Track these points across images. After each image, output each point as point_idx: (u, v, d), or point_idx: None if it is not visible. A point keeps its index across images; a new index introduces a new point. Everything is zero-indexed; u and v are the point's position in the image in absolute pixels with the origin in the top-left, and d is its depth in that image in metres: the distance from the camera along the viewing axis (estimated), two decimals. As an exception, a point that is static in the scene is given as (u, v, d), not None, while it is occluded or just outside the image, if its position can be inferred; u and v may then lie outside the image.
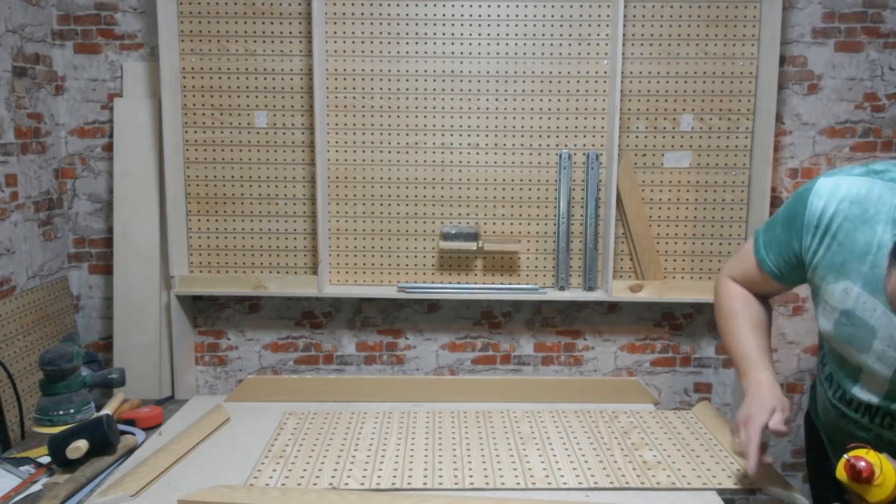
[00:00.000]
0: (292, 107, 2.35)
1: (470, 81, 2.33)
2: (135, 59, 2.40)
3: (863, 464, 0.99)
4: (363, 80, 2.33)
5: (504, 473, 1.25)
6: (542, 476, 1.24)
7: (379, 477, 1.23)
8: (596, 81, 2.32)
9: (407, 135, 2.35)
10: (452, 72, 2.32)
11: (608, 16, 2.29)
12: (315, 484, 1.20)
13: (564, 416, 1.49)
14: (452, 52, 2.31)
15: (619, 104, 2.22)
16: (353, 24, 2.31)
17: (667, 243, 2.40)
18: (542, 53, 2.31)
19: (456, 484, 1.21)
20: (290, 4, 2.30)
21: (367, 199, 2.39)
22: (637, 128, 2.35)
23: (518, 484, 1.21)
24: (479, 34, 2.30)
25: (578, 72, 2.32)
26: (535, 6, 2.29)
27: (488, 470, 1.26)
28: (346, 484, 1.20)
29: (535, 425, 1.45)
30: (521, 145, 2.36)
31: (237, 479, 1.21)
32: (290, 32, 2.32)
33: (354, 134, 2.36)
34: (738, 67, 2.30)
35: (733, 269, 1.41)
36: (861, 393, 1.18)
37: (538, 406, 1.55)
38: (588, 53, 2.31)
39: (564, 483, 1.22)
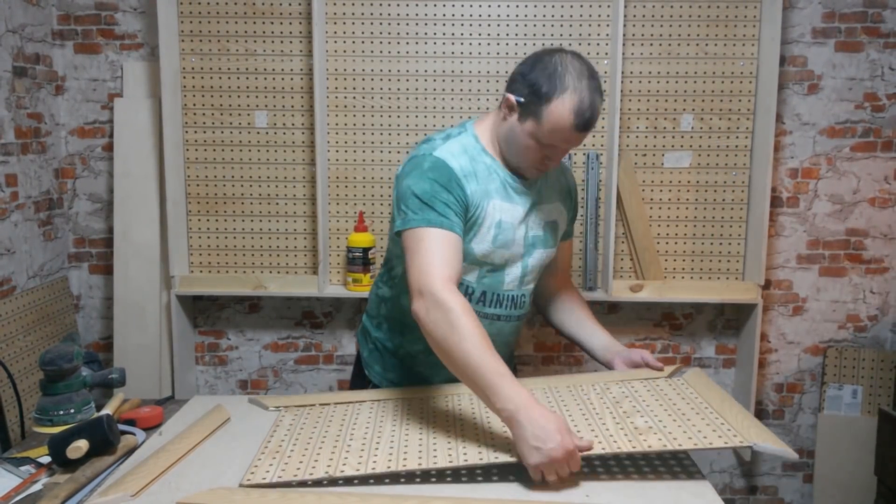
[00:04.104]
0: (292, 107, 2.35)
1: (470, 81, 2.32)
2: (135, 59, 2.40)
3: None
4: (363, 80, 2.33)
5: (497, 446, 1.25)
6: None
7: (374, 461, 1.24)
8: (596, 81, 2.32)
9: (407, 135, 2.35)
10: (453, 72, 2.32)
11: (608, 16, 2.29)
12: (311, 473, 1.20)
13: (557, 391, 1.51)
14: (453, 52, 2.31)
15: (619, 104, 2.22)
16: (353, 24, 2.31)
17: (667, 243, 2.40)
18: (543, 53, 2.30)
19: (450, 461, 1.21)
20: (290, 4, 2.30)
21: (367, 200, 2.39)
22: (637, 128, 2.35)
23: (512, 457, 1.21)
24: (480, 34, 2.30)
25: (579, 72, 2.31)
26: (536, 6, 2.29)
27: (482, 444, 1.27)
28: (342, 471, 1.20)
29: None
30: (522, 145, 2.36)
31: (237, 480, 1.21)
32: (291, 32, 2.32)
33: (355, 134, 2.36)
34: (738, 67, 2.30)
35: (443, 269, 1.35)
36: None
37: (530, 382, 1.58)
38: (588, 53, 2.30)
39: None
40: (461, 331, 1.27)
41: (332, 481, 1.19)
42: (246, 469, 1.24)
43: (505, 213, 1.48)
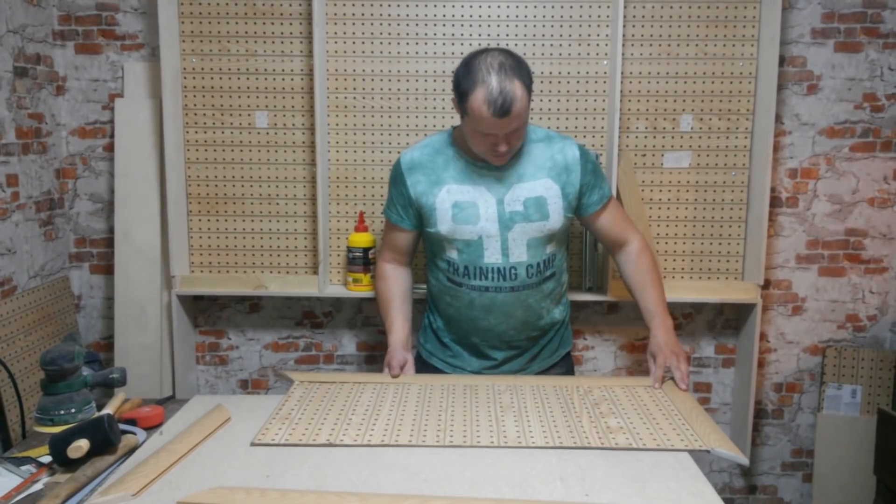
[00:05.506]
0: (293, 107, 2.36)
1: (470, 82, 2.32)
2: (136, 59, 2.41)
3: None
4: (364, 80, 2.34)
5: (480, 433, 1.37)
6: (515, 436, 1.36)
7: (371, 434, 1.37)
8: (596, 82, 2.32)
9: (407, 135, 2.35)
10: (453, 72, 2.32)
11: (608, 16, 2.29)
12: (314, 439, 1.34)
13: (543, 390, 1.60)
14: (453, 53, 2.31)
15: (618, 104, 2.22)
16: (353, 24, 2.31)
17: (666, 243, 2.41)
18: (542, 54, 2.31)
19: (437, 441, 1.34)
20: (290, 5, 2.30)
21: (367, 200, 2.40)
22: (637, 128, 2.35)
23: (492, 442, 1.33)
24: (480, 35, 2.31)
25: (578, 72, 2.32)
26: (535, 6, 2.29)
27: (467, 431, 1.38)
28: (342, 440, 1.34)
29: (515, 397, 1.56)
30: (521, 145, 2.36)
31: (238, 480, 1.21)
32: (291, 33, 2.32)
33: (355, 134, 2.36)
34: (737, 68, 2.31)
35: (383, 250, 1.88)
36: None
37: (521, 381, 1.68)
38: (588, 54, 2.31)
39: (533, 441, 1.33)
40: (378, 289, 1.89)
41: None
42: (249, 471, 1.25)
43: (461, 194, 1.69)
